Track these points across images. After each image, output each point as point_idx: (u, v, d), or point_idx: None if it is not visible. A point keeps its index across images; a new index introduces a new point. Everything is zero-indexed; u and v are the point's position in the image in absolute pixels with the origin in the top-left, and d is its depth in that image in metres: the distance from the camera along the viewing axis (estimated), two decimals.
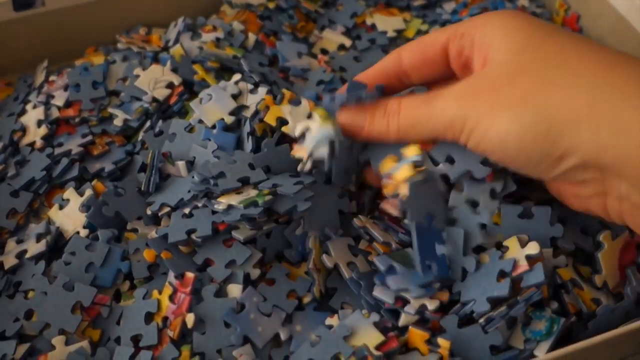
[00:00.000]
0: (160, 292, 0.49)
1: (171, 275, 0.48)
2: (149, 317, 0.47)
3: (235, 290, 0.48)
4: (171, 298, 0.48)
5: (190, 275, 0.48)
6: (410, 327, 0.45)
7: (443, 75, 0.49)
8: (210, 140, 0.55)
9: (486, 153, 0.43)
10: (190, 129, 0.57)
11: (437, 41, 0.47)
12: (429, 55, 0.48)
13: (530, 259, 0.44)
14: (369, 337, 0.45)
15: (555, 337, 0.44)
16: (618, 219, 0.42)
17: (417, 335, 0.45)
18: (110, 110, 0.61)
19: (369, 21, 0.72)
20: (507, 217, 0.47)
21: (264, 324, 0.47)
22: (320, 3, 0.74)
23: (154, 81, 0.61)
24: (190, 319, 0.46)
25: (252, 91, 0.57)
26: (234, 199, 0.47)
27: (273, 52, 0.66)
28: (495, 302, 0.43)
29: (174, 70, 0.62)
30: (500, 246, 0.46)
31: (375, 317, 0.46)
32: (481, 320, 0.44)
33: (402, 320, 0.45)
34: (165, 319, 0.47)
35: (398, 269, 0.45)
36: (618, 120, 0.37)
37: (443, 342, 0.44)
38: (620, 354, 0.47)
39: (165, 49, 0.66)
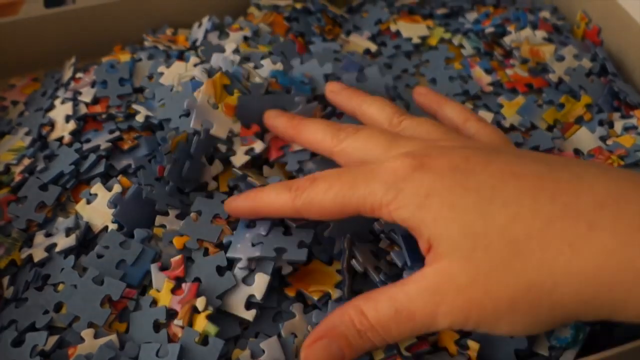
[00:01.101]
0: (159, 290, 0.49)
1: (155, 268, 0.49)
2: (157, 325, 0.47)
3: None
4: (173, 290, 0.48)
5: (176, 258, 0.49)
6: None
7: None
8: None
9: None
10: None
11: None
12: None
13: None
14: None
15: (580, 346, 0.44)
16: None
17: (448, 336, 0.45)
18: (134, 106, 0.61)
19: (393, 28, 0.73)
20: None
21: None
22: (345, 9, 0.75)
23: (177, 77, 0.62)
24: (201, 302, 0.47)
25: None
26: None
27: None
28: None
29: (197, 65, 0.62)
30: None
31: None
32: None
33: None
34: (170, 314, 0.48)
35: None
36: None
37: (472, 344, 0.44)
38: None
39: (193, 48, 0.67)
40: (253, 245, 0.49)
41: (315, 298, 0.49)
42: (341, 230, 0.50)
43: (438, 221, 0.37)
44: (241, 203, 0.50)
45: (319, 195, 0.43)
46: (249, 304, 0.48)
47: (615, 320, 0.35)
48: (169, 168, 0.52)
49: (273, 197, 0.47)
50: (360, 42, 0.71)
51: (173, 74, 0.62)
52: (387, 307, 0.38)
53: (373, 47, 0.70)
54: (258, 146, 0.56)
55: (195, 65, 0.62)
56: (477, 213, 0.36)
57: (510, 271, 0.35)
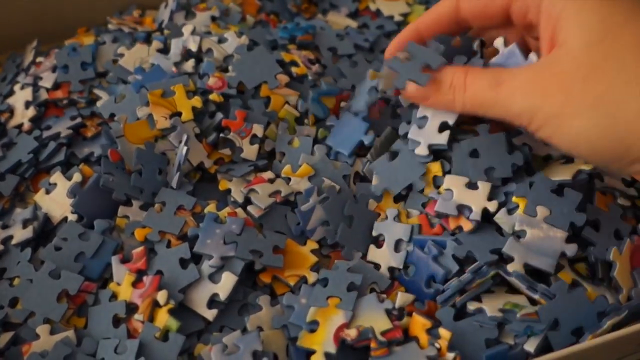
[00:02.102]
0: (119, 283, 0.47)
1: (116, 260, 0.48)
2: (116, 320, 0.46)
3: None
4: (134, 284, 0.47)
5: (138, 250, 0.48)
6: (413, 314, 0.44)
7: (503, 25, 0.48)
8: None
9: (558, 147, 0.42)
10: None
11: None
12: (490, 12, 0.47)
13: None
14: (377, 322, 0.44)
15: (544, 333, 0.42)
16: None
17: (419, 323, 0.44)
18: (96, 91, 0.59)
19: (372, 7, 0.70)
20: (539, 187, 0.47)
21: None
22: None
23: (139, 61, 0.59)
24: (162, 296, 0.45)
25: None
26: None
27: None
28: None
29: (160, 51, 0.60)
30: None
31: (388, 304, 0.45)
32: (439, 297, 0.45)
33: (399, 300, 0.45)
34: (131, 308, 0.46)
35: None
36: None
37: (444, 333, 0.43)
38: (619, 354, 0.45)
39: (159, 29, 0.64)
40: (225, 243, 0.47)
41: (292, 283, 0.48)
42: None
43: (581, 14, 0.40)
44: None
45: None
46: (212, 302, 0.46)
47: None
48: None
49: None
50: (339, 20, 0.68)
51: (135, 57, 0.59)
52: (489, 85, 0.43)
53: (353, 24, 0.68)
54: (258, 131, 0.54)
55: (157, 50, 0.60)
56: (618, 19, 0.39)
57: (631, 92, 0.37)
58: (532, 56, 0.46)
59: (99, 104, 0.57)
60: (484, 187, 0.47)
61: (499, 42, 0.48)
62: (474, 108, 0.44)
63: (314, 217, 0.50)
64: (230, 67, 0.57)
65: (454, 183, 0.48)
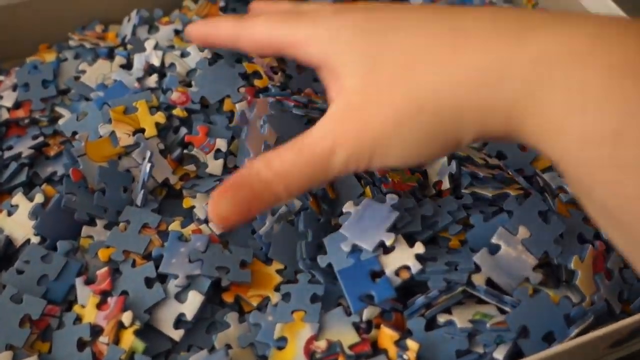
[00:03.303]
0: (84, 306, 0.46)
1: (79, 282, 0.47)
2: (81, 344, 0.45)
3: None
4: (99, 306, 0.46)
5: (102, 271, 0.47)
6: (381, 326, 0.44)
7: None
8: None
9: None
10: None
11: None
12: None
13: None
14: (345, 335, 0.44)
15: (512, 341, 0.42)
16: None
17: (387, 336, 0.43)
18: (58, 109, 0.58)
19: None
20: (528, 205, 0.47)
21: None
22: None
23: (101, 77, 0.59)
24: (127, 317, 0.44)
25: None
26: None
27: None
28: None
29: (123, 67, 0.60)
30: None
31: (355, 317, 0.44)
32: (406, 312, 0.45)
33: (366, 312, 0.45)
34: (96, 331, 0.45)
35: None
36: None
37: (412, 344, 0.42)
38: (589, 358, 0.46)
39: (122, 44, 0.64)
40: (191, 261, 0.47)
41: (254, 304, 0.47)
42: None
43: (345, 50, 0.37)
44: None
45: (256, 27, 0.43)
46: (179, 322, 0.45)
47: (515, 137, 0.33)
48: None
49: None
50: None
51: (97, 73, 0.58)
52: (291, 152, 0.38)
53: None
54: (222, 145, 0.53)
55: (120, 65, 0.59)
56: (377, 37, 0.36)
57: (397, 89, 0.34)
58: (389, 199, 0.46)
59: (60, 122, 0.56)
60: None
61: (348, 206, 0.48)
62: (296, 186, 0.38)
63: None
64: (192, 82, 0.57)
65: None
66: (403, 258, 0.45)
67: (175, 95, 0.56)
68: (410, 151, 0.35)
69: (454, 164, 0.51)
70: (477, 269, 0.44)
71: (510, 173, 0.51)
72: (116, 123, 0.53)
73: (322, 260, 0.46)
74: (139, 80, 0.58)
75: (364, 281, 0.45)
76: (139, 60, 0.59)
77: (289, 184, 0.38)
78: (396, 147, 0.35)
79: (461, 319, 0.44)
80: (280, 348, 0.44)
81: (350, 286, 0.45)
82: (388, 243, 0.45)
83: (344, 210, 0.48)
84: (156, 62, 0.58)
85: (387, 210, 0.46)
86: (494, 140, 0.48)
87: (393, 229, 0.46)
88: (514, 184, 0.51)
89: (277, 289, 0.48)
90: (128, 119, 0.53)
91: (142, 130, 0.53)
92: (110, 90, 0.57)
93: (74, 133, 0.55)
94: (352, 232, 0.46)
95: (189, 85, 0.57)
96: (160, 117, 0.54)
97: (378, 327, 0.45)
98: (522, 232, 0.46)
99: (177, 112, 0.55)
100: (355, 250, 0.46)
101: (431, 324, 0.45)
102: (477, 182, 0.51)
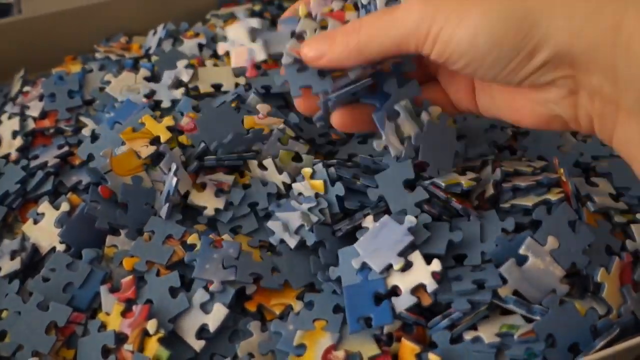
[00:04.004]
0: (108, 313, 0.47)
1: (104, 290, 0.47)
2: (106, 351, 0.45)
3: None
4: (123, 313, 0.46)
5: (127, 279, 0.47)
6: (402, 339, 0.44)
7: None
8: None
9: (452, 59, 0.40)
10: None
11: None
12: None
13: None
14: (365, 347, 0.44)
15: (542, 355, 0.42)
16: (586, 126, 0.40)
17: (408, 348, 0.43)
18: (82, 119, 0.59)
19: None
20: (558, 214, 0.46)
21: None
22: None
23: (126, 88, 0.60)
24: (152, 325, 0.45)
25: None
26: None
27: None
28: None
29: (148, 79, 0.61)
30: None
31: (376, 330, 0.44)
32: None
33: (387, 325, 0.44)
34: (120, 338, 0.46)
35: None
36: (591, 4, 0.36)
37: (433, 357, 0.42)
38: None
39: (146, 56, 0.65)
40: (224, 267, 0.47)
41: (277, 312, 0.47)
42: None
43: None
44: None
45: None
46: (202, 332, 0.46)
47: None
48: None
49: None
50: None
51: (121, 84, 0.59)
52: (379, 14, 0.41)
53: None
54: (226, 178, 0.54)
55: (144, 78, 0.60)
56: None
57: None
58: (407, 222, 0.46)
59: (77, 150, 0.57)
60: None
61: (368, 221, 0.48)
62: (367, 44, 0.41)
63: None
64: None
65: None
66: (419, 276, 0.44)
67: (184, 121, 0.56)
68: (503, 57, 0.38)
69: (498, 172, 0.50)
70: (504, 281, 0.44)
71: (561, 171, 0.50)
72: (130, 142, 0.54)
73: (333, 273, 0.47)
74: (146, 96, 0.59)
75: (366, 302, 0.44)
76: (168, 75, 0.60)
77: (362, 39, 0.41)
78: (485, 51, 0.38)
79: (488, 333, 0.43)
80: (298, 355, 0.44)
81: (352, 305, 0.44)
82: (396, 267, 0.44)
83: (362, 224, 0.48)
84: (185, 79, 0.59)
85: (403, 233, 0.45)
86: None
87: (404, 253, 0.45)
88: (558, 186, 0.50)
89: (300, 297, 0.48)
90: (140, 134, 0.54)
91: (157, 138, 0.54)
92: (120, 110, 0.58)
93: (90, 156, 0.55)
94: (364, 250, 0.46)
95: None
96: (168, 120, 0.55)
97: (399, 340, 0.44)
98: (551, 242, 0.45)
99: (182, 139, 0.55)
100: (365, 267, 0.46)
101: (456, 338, 0.44)
102: (519, 193, 0.50)
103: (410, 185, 0.48)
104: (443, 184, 0.47)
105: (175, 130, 0.56)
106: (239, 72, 0.60)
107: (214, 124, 0.55)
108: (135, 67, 0.64)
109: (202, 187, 0.53)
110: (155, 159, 0.53)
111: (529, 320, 0.43)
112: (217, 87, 0.60)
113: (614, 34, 0.35)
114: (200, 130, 0.55)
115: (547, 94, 0.40)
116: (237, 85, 0.60)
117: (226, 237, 0.50)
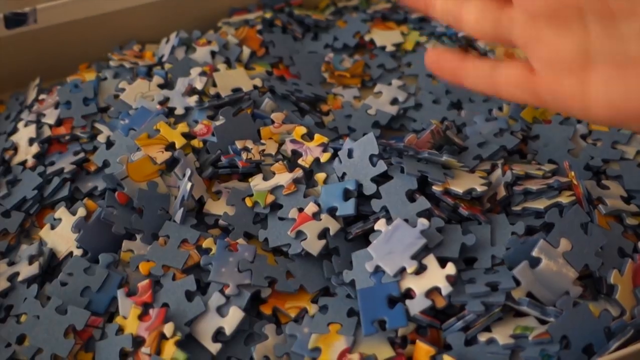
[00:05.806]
0: (126, 317, 0.47)
1: (121, 294, 0.48)
2: (123, 354, 0.46)
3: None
4: (140, 317, 0.47)
5: (143, 283, 0.48)
6: (417, 341, 0.44)
7: None
8: None
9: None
10: None
11: None
12: None
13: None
14: (380, 350, 0.44)
15: (557, 356, 0.42)
16: None
17: (423, 350, 0.44)
18: (97, 126, 0.60)
19: (367, 37, 0.71)
20: (570, 216, 0.47)
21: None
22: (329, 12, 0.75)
23: (140, 95, 0.61)
24: (169, 328, 0.45)
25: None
26: None
27: None
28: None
29: (161, 86, 0.62)
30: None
31: (390, 332, 0.45)
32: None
33: (401, 329, 0.45)
34: (138, 341, 0.46)
35: None
36: None
37: (448, 359, 0.42)
38: None
39: (159, 64, 0.66)
40: (240, 271, 0.48)
41: (292, 315, 0.48)
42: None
43: None
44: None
45: None
46: (218, 335, 0.46)
47: None
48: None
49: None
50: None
51: (135, 91, 0.60)
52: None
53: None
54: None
55: (158, 85, 0.61)
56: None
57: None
58: (420, 225, 0.46)
59: (93, 157, 0.58)
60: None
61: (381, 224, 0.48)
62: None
63: None
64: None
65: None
66: (433, 279, 0.45)
67: (198, 127, 0.57)
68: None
69: (509, 173, 0.51)
70: (517, 283, 0.44)
71: (572, 174, 0.50)
72: (146, 148, 0.55)
73: (347, 276, 0.47)
74: (160, 102, 0.60)
75: (380, 305, 0.45)
76: (181, 83, 0.61)
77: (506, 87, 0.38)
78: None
79: (502, 335, 0.44)
80: (313, 358, 0.44)
81: (367, 308, 0.45)
82: (409, 271, 0.45)
83: (375, 227, 0.48)
84: (199, 86, 0.60)
85: (416, 236, 0.46)
86: None
87: (417, 256, 0.45)
88: (569, 189, 0.50)
89: (314, 300, 0.48)
90: (155, 140, 0.55)
91: (173, 144, 0.55)
92: (135, 117, 0.58)
93: (105, 162, 0.56)
94: (378, 253, 0.46)
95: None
96: (183, 126, 0.56)
97: (413, 342, 0.45)
98: (564, 244, 0.45)
99: (195, 142, 0.56)
100: (379, 271, 0.46)
101: (471, 340, 0.44)
102: (530, 196, 0.51)
103: (411, 196, 0.49)
104: (461, 192, 0.48)
105: (189, 136, 0.56)
106: None
107: (230, 133, 0.56)
108: (148, 74, 0.65)
109: (217, 195, 0.54)
110: (170, 165, 0.54)
111: (542, 322, 0.44)
112: (236, 91, 0.61)
113: None
114: (218, 138, 0.55)
115: None
116: (255, 87, 0.61)
117: (241, 240, 0.51)
